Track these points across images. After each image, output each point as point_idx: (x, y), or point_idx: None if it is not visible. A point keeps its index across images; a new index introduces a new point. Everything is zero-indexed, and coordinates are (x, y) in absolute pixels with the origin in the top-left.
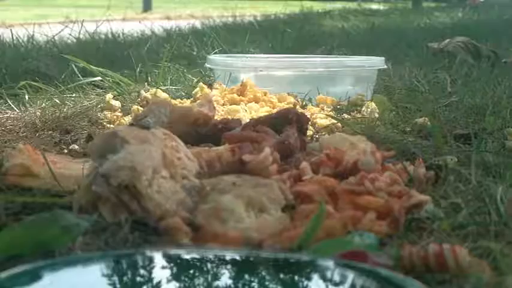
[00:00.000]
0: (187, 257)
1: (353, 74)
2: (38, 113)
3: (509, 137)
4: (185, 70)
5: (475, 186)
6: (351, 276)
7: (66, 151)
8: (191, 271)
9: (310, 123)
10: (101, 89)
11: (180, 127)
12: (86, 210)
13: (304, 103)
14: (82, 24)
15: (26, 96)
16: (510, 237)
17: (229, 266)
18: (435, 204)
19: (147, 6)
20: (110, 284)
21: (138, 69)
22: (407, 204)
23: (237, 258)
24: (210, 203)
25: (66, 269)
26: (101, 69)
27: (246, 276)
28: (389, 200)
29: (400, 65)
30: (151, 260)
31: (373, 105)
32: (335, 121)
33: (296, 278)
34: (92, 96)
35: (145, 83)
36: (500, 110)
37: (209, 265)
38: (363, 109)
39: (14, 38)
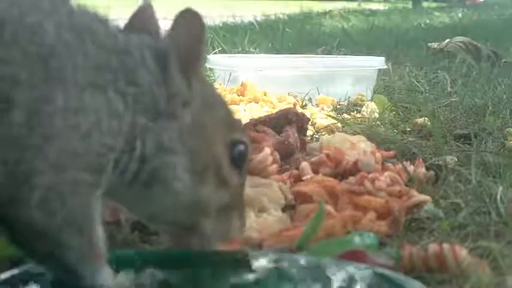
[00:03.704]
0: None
1: (353, 74)
2: None
3: (509, 137)
4: None
5: (475, 186)
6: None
7: None
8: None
9: (310, 123)
10: None
11: None
12: None
13: (304, 103)
14: None
15: None
16: (510, 237)
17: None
18: (435, 204)
19: None
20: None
21: None
22: (407, 204)
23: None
24: None
25: None
26: None
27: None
28: (390, 200)
29: (400, 65)
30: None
31: (373, 105)
32: (335, 121)
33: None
34: None
35: None
36: (500, 110)
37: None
38: (363, 109)
39: None
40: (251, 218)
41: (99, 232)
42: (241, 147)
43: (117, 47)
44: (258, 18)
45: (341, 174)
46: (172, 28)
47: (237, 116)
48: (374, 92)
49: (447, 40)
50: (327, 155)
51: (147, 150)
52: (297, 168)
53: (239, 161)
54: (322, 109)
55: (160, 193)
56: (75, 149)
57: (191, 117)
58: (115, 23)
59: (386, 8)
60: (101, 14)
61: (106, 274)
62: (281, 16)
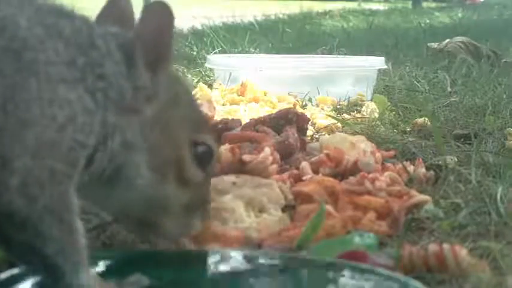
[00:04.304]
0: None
1: (353, 74)
2: None
3: (509, 137)
4: (185, 70)
5: (475, 186)
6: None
7: None
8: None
9: (310, 123)
10: None
11: None
12: (85, 210)
13: (304, 103)
14: None
15: None
16: (510, 237)
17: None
18: (435, 204)
19: None
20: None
21: None
22: (407, 204)
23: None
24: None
25: None
26: None
27: None
28: (390, 200)
29: (400, 65)
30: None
31: (373, 105)
32: (335, 121)
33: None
34: None
35: None
36: (500, 110)
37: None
38: (363, 109)
39: None
40: (251, 218)
41: (79, 225)
42: (205, 147)
43: (82, 42)
44: (258, 18)
45: (341, 174)
46: (141, 20)
47: (206, 115)
48: (374, 92)
49: (447, 40)
50: (327, 155)
51: (115, 147)
52: (297, 168)
53: (203, 161)
54: (322, 109)
55: (122, 189)
56: (51, 139)
57: (154, 113)
58: (82, 14)
59: (386, 8)
60: (67, 7)
61: (87, 273)
62: (281, 16)
